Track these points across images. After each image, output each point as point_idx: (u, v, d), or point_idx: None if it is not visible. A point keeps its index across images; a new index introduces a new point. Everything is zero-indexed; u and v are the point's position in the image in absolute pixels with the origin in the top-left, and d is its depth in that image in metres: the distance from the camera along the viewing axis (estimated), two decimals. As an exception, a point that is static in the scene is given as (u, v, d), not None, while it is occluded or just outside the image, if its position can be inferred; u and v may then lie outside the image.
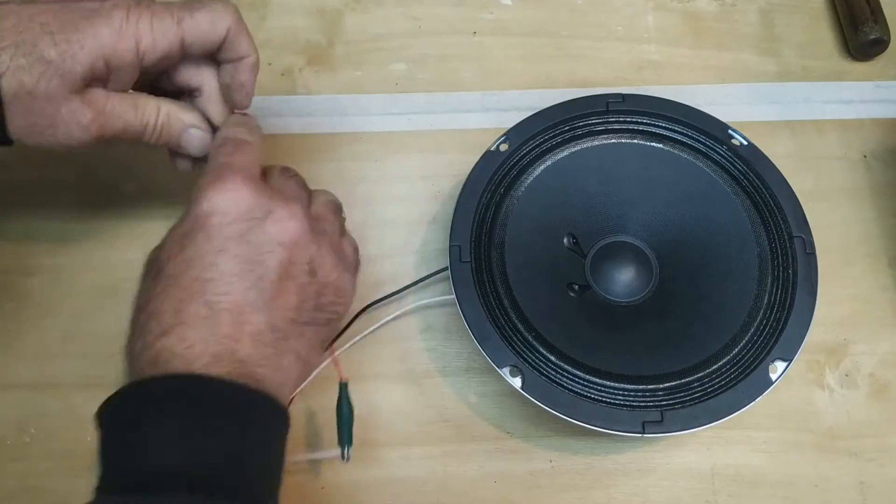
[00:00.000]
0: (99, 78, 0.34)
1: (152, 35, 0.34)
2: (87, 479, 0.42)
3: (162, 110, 0.37)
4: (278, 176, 0.37)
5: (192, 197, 0.34)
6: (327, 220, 0.37)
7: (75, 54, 0.33)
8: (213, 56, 0.38)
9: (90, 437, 0.43)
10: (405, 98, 0.54)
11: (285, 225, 0.33)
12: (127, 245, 0.48)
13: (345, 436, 0.39)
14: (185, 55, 0.36)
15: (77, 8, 0.34)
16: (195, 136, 0.39)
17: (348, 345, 0.45)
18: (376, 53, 0.55)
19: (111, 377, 0.44)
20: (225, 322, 0.31)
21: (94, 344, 0.45)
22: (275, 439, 0.32)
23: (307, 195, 0.38)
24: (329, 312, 0.36)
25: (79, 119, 0.34)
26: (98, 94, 0.35)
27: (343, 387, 0.40)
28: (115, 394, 0.31)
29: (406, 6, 0.57)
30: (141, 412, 0.30)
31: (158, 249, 0.34)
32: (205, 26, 0.35)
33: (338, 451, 0.39)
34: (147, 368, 0.30)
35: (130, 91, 0.37)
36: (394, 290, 0.46)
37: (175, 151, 0.40)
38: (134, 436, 0.29)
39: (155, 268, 0.33)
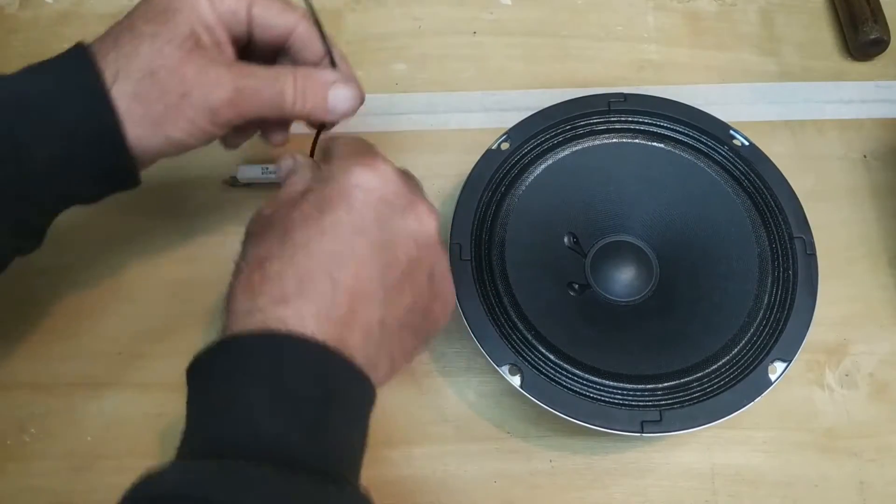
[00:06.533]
0: (202, 42, 0.32)
1: None
2: (87, 479, 0.42)
3: (299, 72, 0.34)
4: (408, 177, 0.34)
5: (329, 168, 0.31)
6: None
7: (172, 20, 0.32)
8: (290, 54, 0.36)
9: (90, 437, 0.43)
10: (405, 98, 0.54)
11: (424, 220, 0.31)
12: (130, 246, 0.48)
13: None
14: (253, 27, 0.35)
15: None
16: (342, 93, 0.35)
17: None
18: (376, 53, 0.55)
19: (111, 377, 0.44)
20: (344, 304, 0.29)
21: (95, 344, 0.45)
22: (361, 417, 0.31)
23: None
24: (432, 322, 0.33)
25: (211, 102, 0.32)
26: (226, 66, 0.32)
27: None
28: (212, 347, 0.28)
29: (406, 6, 0.57)
30: (235, 373, 0.28)
31: (284, 206, 0.31)
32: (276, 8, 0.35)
33: None
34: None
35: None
36: (394, 289, 0.46)
37: (309, 120, 0.37)
38: (222, 398, 0.28)
39: (280, 227, 0.30)
